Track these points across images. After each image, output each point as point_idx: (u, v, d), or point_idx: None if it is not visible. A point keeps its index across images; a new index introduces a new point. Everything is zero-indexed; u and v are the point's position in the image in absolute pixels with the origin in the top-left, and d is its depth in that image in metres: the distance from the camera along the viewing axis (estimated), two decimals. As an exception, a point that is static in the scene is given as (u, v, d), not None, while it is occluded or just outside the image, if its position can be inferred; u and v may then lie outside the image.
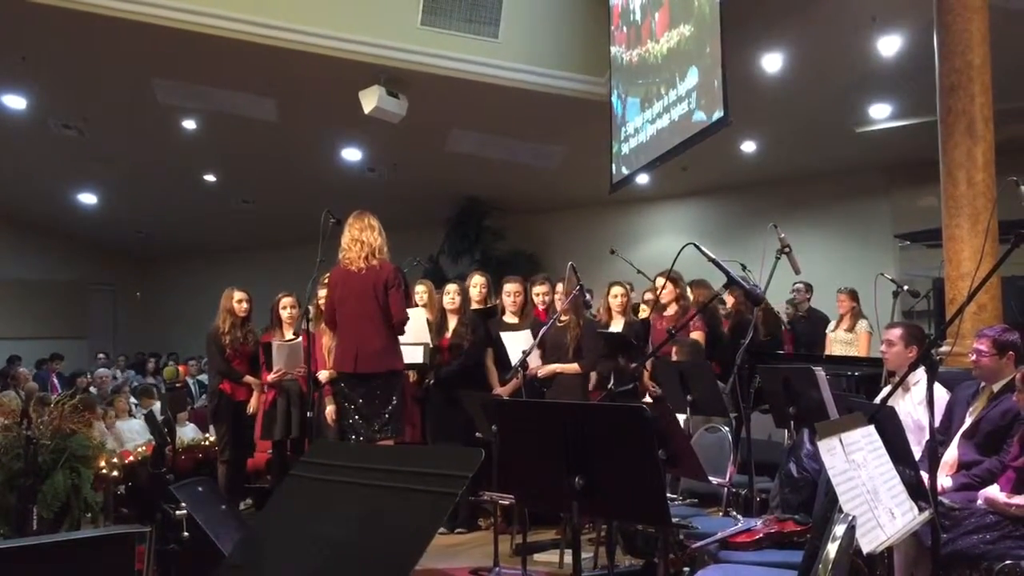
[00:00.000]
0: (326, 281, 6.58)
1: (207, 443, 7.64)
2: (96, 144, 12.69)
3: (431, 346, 6.53)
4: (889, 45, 8.71)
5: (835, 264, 10.82)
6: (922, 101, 7.23)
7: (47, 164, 13.66)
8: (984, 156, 5.91)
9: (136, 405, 9.36)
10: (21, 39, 9.59)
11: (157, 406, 8.72)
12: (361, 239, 5.66)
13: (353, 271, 5.65)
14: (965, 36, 5.97)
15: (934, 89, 6.19)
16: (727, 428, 5.19)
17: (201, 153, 13.11)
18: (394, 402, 5.73)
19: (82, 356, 16.76)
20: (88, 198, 15.74)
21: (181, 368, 14.62)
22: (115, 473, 5.94)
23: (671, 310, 6.86)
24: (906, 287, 8.00)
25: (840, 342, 8.17)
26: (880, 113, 10.74)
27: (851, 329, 8.13)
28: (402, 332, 5.83)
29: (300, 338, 6.31)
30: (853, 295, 8.18)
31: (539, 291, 6.77)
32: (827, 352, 8.07)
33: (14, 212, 16.38)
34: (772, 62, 9.28)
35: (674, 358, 5.98)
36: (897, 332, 4.74)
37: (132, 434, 8.13)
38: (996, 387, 4.27)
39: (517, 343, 6.14)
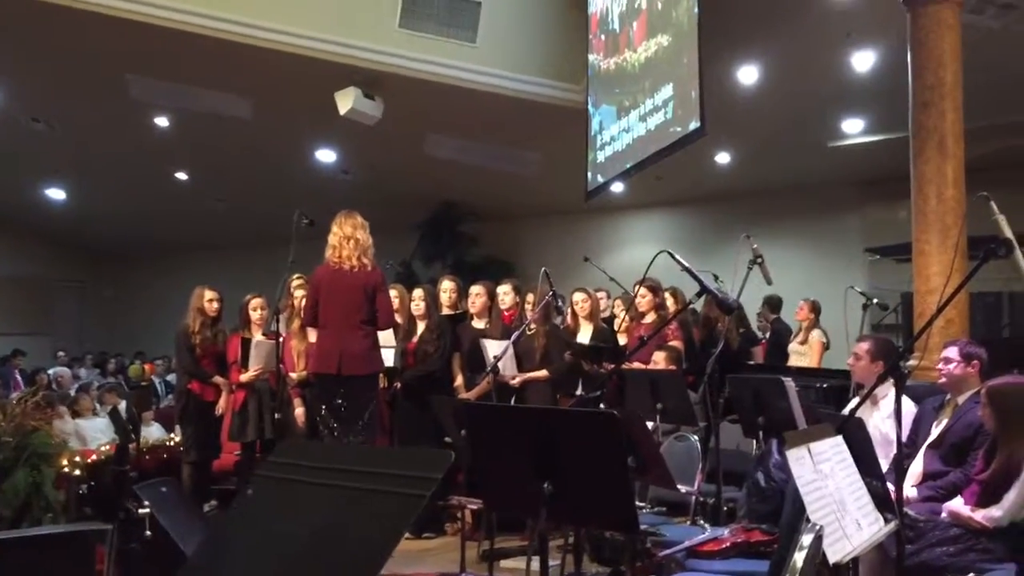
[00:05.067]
0: (297, 282, 6.55)
1: (172, 443, 7.54)
2: (66, 139, 12.54)
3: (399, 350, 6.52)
4: (863, 60, 8.80)
5: (806, 276, 10.90)
6: (894, 117, 7.30)
7: (15, 158, 13.47)
8: (954, 172, 5.99)
9: (100, 404, 9.24)
10: (-7, 31, 9.46)
11: (122, 405, 8.61)
12: (356, 237, 5.61)
13: (345, 269, 5.58)
14: (938, 54, 6.06)
15: (907, 105, 6.26)
16: (696, 437, 5.21)
17: (173, 151, 12.98)
18: (372, 406, 5.70)
19: (46, 353, 16.51)
20: (57, 193, 15.54)
21: (147, 367, 14.45)
22: (77, 472, 5.85)
23: (649, 318, 6.88)
24: (875, 300, 8.09)
25: (795, 353, 8.25)
26: (853, 128, 10.84)
27: (805, 341, 8.20)
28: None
29: (273, 338, 6.26)
30: (813, 306, 8.25)
31: (503, 290, 6.74)
32: (789, 363, 8.14)
33: (-20, 207, 16.15)
34: (748, 74, 9.34)
35: (661, 365, 5.99)
36: (864, 346, 4.78)
37: (96, 433, 8.03)
38: (961, 399, 4.31)
39: (497, 350, 6.11)
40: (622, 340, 7.10)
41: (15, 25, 9.26)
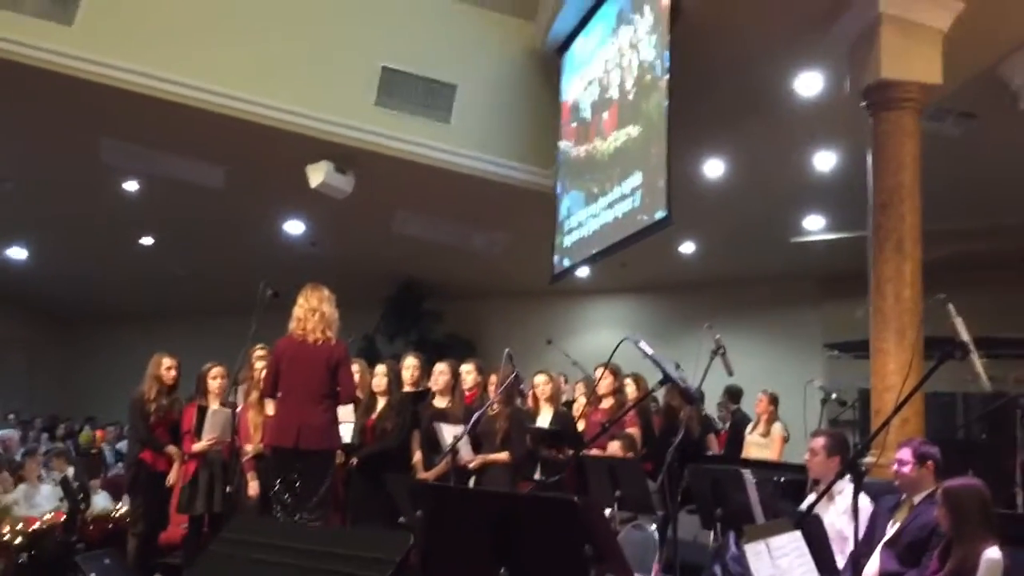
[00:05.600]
0: (260, 352, 6.47)
1: (118, 514, 7.33)
2: (32, 198, 12.43)
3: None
4: (825, 160, 9.06)
5: (766, 369, 10.98)
6: (854, 216, 7.49)
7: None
8: (912, 273, 6.12)
9: (47, 470, 8.98)
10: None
11: (71, 471, 8.38)
12: (321, 310, 5.59)
13: (308, 343, 5.53)
14: (898, 157, 6.25)
15: (866, 205, 6.42)
16: (653, 526, 5.17)
17: (140, 215, 12.91)
18: (328, 482, 5.61)
19: (-9, 414, 16.07)
20: (18, 252, 15.33)
21: (98, 433, 14.11)
22: (18, 540, 5.67)
23: (607, 403, 6.87)
24: (834, 396, 8.16)
25: (755, 444, 8.27)
26: (814, 224, 11.09)
27: (767, 433, 8.24)
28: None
29: (229, 408, 6.15)
30: (772, 399, 8.30)
31: (465, 369, 6.70)
32: (744, 454, 8.15)
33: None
34: (714, 168, 9.56)
35: (618, 452, 5.97)
36: (820, 441, 4.81)
37: (41, 500, 7.78)
38: (916, 499, 4.34)
39: (452, 435, 6.05)
40: (580, 425, 7.07)
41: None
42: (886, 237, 6.20)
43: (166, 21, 9.17)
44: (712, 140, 9.20)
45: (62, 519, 6.49)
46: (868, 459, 5.19)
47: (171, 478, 6.54)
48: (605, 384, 6.81)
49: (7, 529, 5.47)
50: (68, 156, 10.94)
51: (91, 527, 6.86)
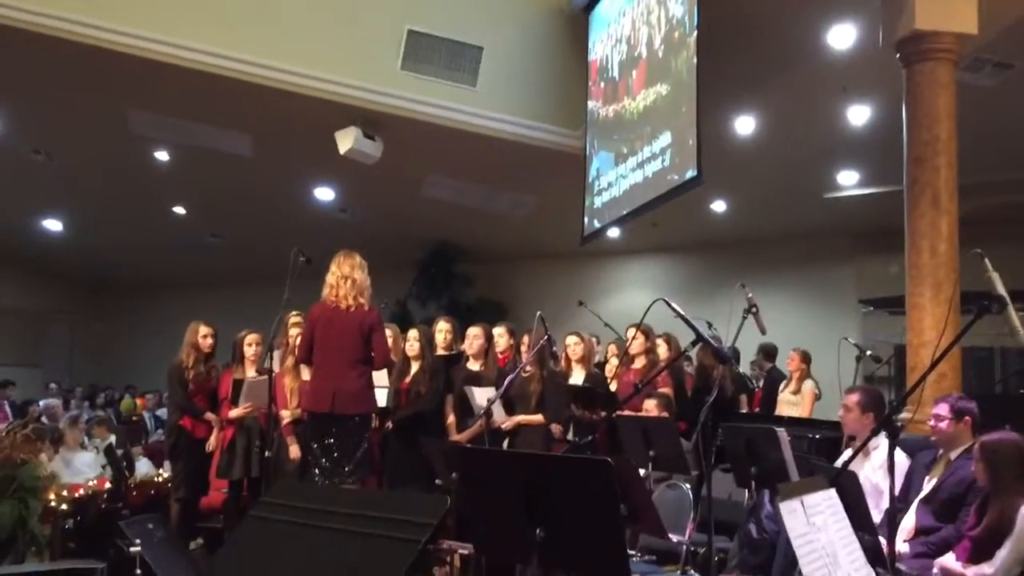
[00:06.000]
0: (294, 319, 6.54)
1: (160, 479, 7.47)
2: (65, 170, 12.57)
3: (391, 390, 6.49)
4: (859, 114, 8.90)
5: (800, 326, 10.92)
6: (889, 170, 7.38)
7: (14, 188, 13.50)
8: (948, 227, 6.03)
9: (89, 438, 9.16)
10: (-2, 62, 9.53)
11: (112, 438, 8.54)
12: (353, 276, 5.64)
13: (341, 309, 5.60)
14: (933, 110, 6.13)
15: (901, 159, 6.32)
16: (687, 485, 5.18)
17: (172, 185, 13.03)
18: (364, 445, 5.68)
19: (35, 384, 16.39)
20: (53, 224, 15.55)
21: (139, 401, 14.35)
22: (64, 506, 5.79)
23: (639, 363, 6.87)
24: (869, 352, 8.10)
25: (787, 403, 8.25)
26: (848, 180, 10.94)
27: (797, 391, 8.21)
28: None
29: (265, 376, 6.22)
30: (804, 356, 8.26)
31: (497, 333, 6.74)
32: (777, 412, 8.13)
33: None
34: (745, 124, 9.44)
35: (653, 411, 5.97)
36: (854, 398, 4.78)
37: (83, 467, 7.94)
38: (953, 454, 4.32)
39: (484, 397, 6.09)
40: (612, 386, 7.09)
41: (19, 57, 9.32)
42: (921, 191, 6.11)
43: (192, -9, 9.17)
44: (743, 96, 9.08)
45: (106, 485, 6.63)
46: (904, 415, 5.17)
47: (210, 444, 6.65)
48: (637, 344, 6.81)
49: (53, 495, 5.59)
50: (98, 127, 11.03)
51: (134, 493, 7.00)
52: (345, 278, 5.63)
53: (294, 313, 6.54)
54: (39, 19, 8.68)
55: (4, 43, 8.96)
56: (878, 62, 7.12)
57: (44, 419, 10.81)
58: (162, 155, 11.70)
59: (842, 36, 7.79)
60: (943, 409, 4.35)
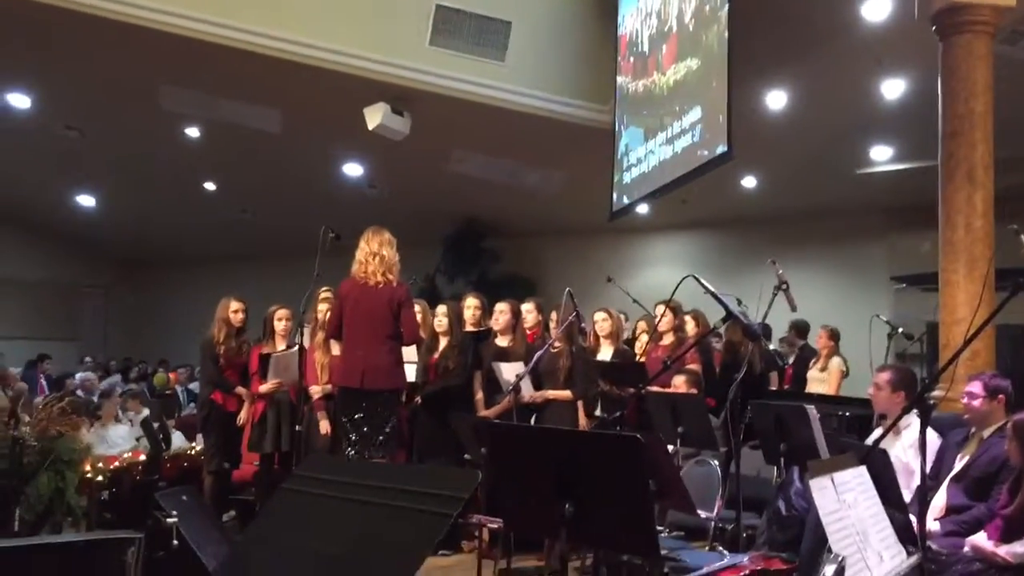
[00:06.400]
0: (324, 295, 6.59)
1: (193, 452, 7.58)
2: (98, 146, 12.70)
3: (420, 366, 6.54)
4: (893, 88, 8.77)
5: (831, 303, 10.84)
6: (923, 145, 7.27)
7: (48, 164, 13.67)
8: (983, 203, 5.94)
9: (123, 411, 9.31)
10: (31, 40, 9.61)
11: (145, 412, 8.66)
12: (381, 253, 5.67)
13: (370, 285, 5.63)
14: (969, 83, 6.02)
15: (936, 134, 6.23)
16: (716, 462, 5.18)
17: (202, 161, 13.12)
18: (394, 420, 5.73)
19: (71, 358, 16.66)
20: (87, 200, 15.74)
21: (172, 375, 14.55)
22: (100, 478, 5.89)
23: (667, 339, 6.86)
24: (900, 329, 8.02)
25: (815, 380, 8.21)
26: (881, 155, 10.80)
27: (825, 368, 8.16)
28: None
29: (295, 350, 6.28)
30: (832, 334, 8.20)
31: (526, 308, 6.75)
32: (807, 389, 8.10)
33: (11, 211, 16.35)
34: (776, 99, 9.33)
35: (681, 389, 5.97)
36: (885, 376, 4.75)
37: (118, 439, 8.08)
38: (986, 433, 4.28)
39: (512, 373, 6.11)
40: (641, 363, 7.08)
41: (51, 34, 9.41)
42: (956, 166, 6.02)
43: (222, -33, 9.19)
44: (774, 71, 8.97)
45: (140, 458, 6.73)
46: (936, 393, 5.12)
47: (241, 417, 6.74)
48: (666, 322, 6.80)
49: (89, 467, 5.69)
50: (130, 104, 11.12)
51: (168, 465, 7.11)
52: (374, 255, 5.66)
53: (324, 289, 6.58)
54: (71, -4, 8.74)
55: (38, 20, 9.04)
56: (913, 35, 7.00)
57: (80, 392, 10.99)
58: (193, 131, 11.78)
59: (876, 8, 7.65)
60: (976, 387, 4.31)
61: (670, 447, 4.92)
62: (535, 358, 5.88)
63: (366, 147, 11.31)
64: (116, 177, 14.33)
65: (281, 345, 6.74)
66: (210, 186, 14.41)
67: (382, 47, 9.44)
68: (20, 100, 11.29)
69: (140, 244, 18.10)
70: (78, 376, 12.73)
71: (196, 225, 16.20)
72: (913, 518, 3.47)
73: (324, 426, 6.29)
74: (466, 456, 5.64)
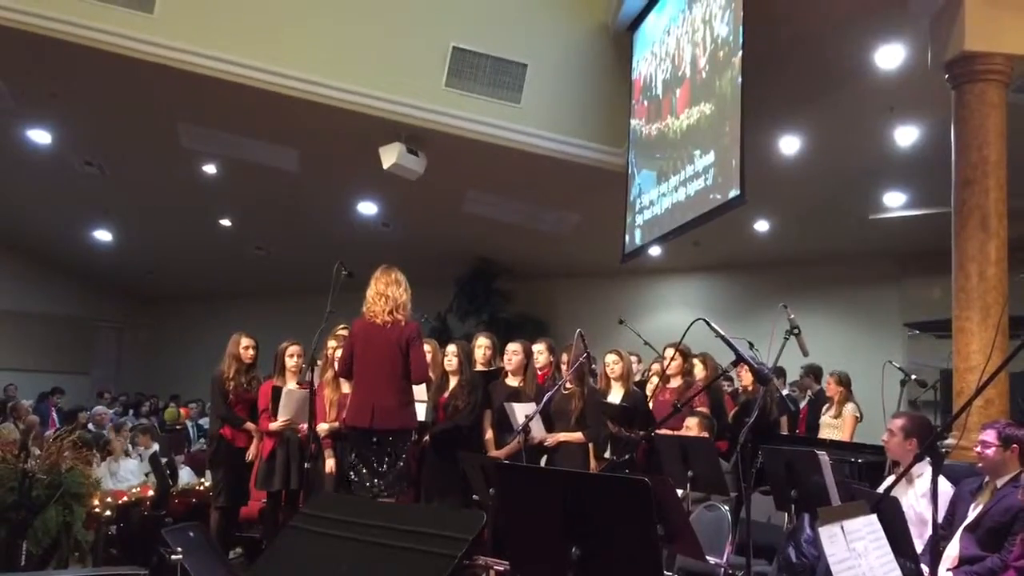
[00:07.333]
0: (338, 332, 6.59)
1: (201, 488, 7.56)
2: (117, 182, 12.84)
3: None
4: (906, 135, 8.81)
5: (843, 349, 10.79)
6: (936, 192, 7.28)
7: (67, 199, 13.82)
8: (997, 251, 5.94)
9: (133, 445, 9.31)
10: (52, 76, 9.77)
11: (155, 447, 8.66)
12: (387, 294, 5.68)
13: (377, 324, 5.65)
14: (982, 132, 6.05)
15: (949, 181, 6.24)
16: (726, 507, 5.13)
17: (219, 198, 13.25)
18: (403, 460, 5.71)
19: (83, 392, 16.72)
20: (103, 235, 15.87)
21: (183, 410, 14.55)
22: (108, 513, 5.88)
23: (675, 383, 6.84)
24: (914, 376, 7.97)
25: (828, 426, 8.14)
26: (894, 201, 10.82)
27: (838, 415, 8.10)
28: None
29: (307, 392, 6.27)
30: (841, 380, 8.14)
31: (537, 349, 6.74)
32: (819, 435, 8.03)
33: (28, 244, 16.51)
34: (789, 144, 9.38)
35: (693, 431, 5.94)
36: (898, 423, 4.72)
37: (127, 474, 8.07)
38: (1000, 482, 4.23)
39: (523, 413, 6.08)
40: (651, 405, 7.05)
41: (73, 71, 9.56)
42: (969, 214, 6.03)
43: (241, 8, 9.35)
44: (788, 116, 9.03)
45: (148, 493, 6.72)
46: (949, 441, 5.08)
47: (250, 454, 6.71)
48: (675, 365, 6.79)
49: (97, 502, 5.68)
50: (150, 141, 11.27)
51: (176, 501, 7.09)
52: (380, 295, 5.68)
53: (341, 326, 6.58)
54: (95, 35, 8.91)
55: (59, 57, 9.20)
56: (926, 83, 7.05)
57: (91, 426, 11.00)
58: (210, 168, 11.91)
59: (890, 56, 7.72)
60: (990, 436, 4.27)
61: (679, 491, 4.88)
62: (545, 398, 5.86)
63: (381, 186, 11.40)
64: (134, 213, 14.47)
65: (292, 382, 6.74)
66: (226, 223, 14.52)
67: (399, 87, 9.55)
68: (41, 136, 11.46)
69: (156, 279, 18.20)
70: (97, 409, 12.78)
71: (210, 261, 16.31)
72: (925, 568, 3.43)
73: (329, 465, 6.27)
74: (474, 496, 5.61)
